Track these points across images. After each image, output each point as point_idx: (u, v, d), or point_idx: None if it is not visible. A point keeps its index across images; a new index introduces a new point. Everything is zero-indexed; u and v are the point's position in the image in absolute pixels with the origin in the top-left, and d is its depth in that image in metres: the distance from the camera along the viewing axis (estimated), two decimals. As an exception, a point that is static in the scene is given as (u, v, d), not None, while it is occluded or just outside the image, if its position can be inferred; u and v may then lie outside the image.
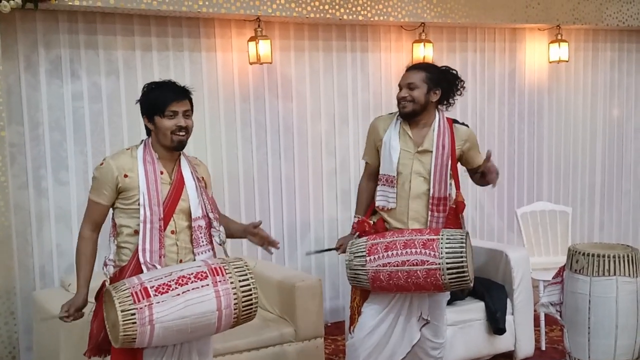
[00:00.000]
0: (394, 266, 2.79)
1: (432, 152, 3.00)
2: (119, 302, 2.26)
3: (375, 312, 3.00)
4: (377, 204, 3.05)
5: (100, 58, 4.10)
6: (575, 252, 2.68)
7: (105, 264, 2.54)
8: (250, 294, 2.42)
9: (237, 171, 4.57)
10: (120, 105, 4.16)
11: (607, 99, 5.90)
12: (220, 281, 2.37)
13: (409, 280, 2.79)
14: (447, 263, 2.74)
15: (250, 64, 4.46)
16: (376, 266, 2.82)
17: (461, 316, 3.90)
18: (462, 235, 2.79)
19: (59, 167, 4.03)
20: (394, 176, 3.01)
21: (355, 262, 2.86)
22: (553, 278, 2.89)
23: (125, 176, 2.49)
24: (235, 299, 2.39)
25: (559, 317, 2.85)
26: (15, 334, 3.74)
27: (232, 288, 2.39)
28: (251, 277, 2.44)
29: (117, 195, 2.52)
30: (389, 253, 2.81)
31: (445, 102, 3.10)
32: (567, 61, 5.44)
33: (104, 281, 2.54)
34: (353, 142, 4.90)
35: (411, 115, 3.03)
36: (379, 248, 2.84)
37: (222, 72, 4.48)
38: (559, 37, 5.35)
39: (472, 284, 2.84)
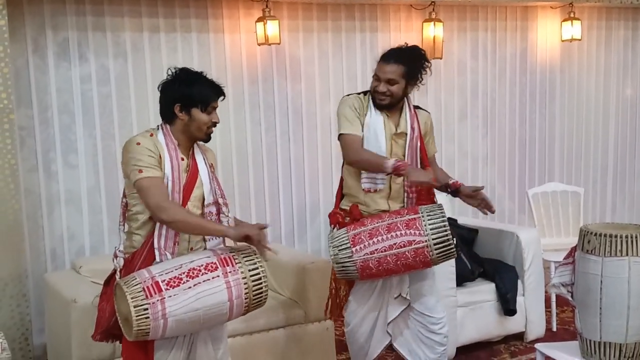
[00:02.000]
0: (382, 252, 2.80)
1: (407, 134, 3.00)
2: (132, 298, 2.25)
3: (364, 299, 3.03)
4: (363, 186, 3.00)
5: (108, 40, 4.09)
6: (587, 232, 2.65)
7: (116, 256, 2.50)
8: (260, 283, 2.43)
9: (245, 154, 4.56)
10: (128, 88, 4.15)
11: (620, 79, 5.82)
12: (230, 272, 2.38)
13: (399, 262, 2.81)
14: (433, 239, 2.79)
15: (259, 45, 4.43)
16: (364, 255, 2.82)
17: (472, 297, 3.90)
18: (441, 210, 2.85)
19: (69, 150, 4.04)
20: None
21: (341, 255, 2.84)
22: (564, 259, 2.86)
23: (160, 156, 2.44)
24: (245, 289, 2.40)
25: (570, 298, 2.83)
26: (28, 316, 3.77)
27: (243, 278, 2.40)
28: (261, 266, 2.44)
29: None
30: (374, 240, 2.81)
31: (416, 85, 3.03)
32: (579, 40, 5.36)
33: (114, 269, 2.51)
34: (362, 123, 4.86)
35: (388, 107, 2.99)
36: (362, 237, 2.83)
37: (230, 54, 4.45)
38: (572, 15, 5.27)
39: (456, 254, 2.90)
